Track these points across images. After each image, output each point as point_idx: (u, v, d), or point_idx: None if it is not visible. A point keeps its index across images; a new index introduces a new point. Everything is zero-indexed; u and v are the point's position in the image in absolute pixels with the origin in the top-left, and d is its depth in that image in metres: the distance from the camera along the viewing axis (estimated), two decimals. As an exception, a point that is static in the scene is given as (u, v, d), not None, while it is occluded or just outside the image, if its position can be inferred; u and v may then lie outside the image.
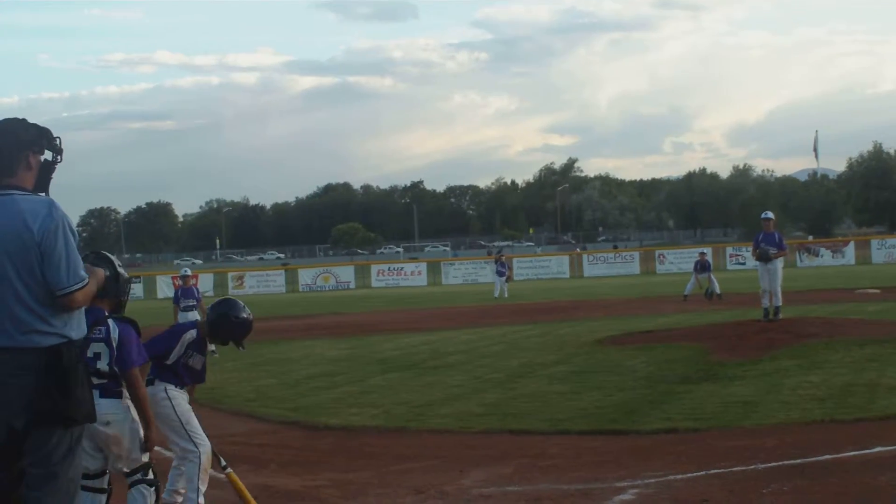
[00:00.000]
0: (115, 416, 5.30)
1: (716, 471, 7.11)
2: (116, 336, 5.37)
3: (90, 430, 5.18)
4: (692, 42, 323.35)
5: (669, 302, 27.02)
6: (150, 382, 6.15)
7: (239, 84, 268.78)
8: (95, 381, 5.19)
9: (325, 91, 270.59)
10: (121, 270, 5.61)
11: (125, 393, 5.32)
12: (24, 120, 4.62)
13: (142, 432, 5.40)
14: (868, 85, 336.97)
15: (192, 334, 6.44)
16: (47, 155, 4.64)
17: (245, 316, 6.55)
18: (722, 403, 9.91)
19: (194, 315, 17.44)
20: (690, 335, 15.65)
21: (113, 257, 5.68)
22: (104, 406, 5.19)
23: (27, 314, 4.40)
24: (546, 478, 7.28)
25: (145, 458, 5.50)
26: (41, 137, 4.61)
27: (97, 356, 5.31)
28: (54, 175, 4.69)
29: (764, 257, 16.76)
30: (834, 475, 6.82)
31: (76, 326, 4.57)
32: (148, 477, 5.52)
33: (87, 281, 4.49)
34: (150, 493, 5.54)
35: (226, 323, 6.52)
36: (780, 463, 7.26)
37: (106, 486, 5.54)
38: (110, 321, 5.43)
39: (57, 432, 4.44)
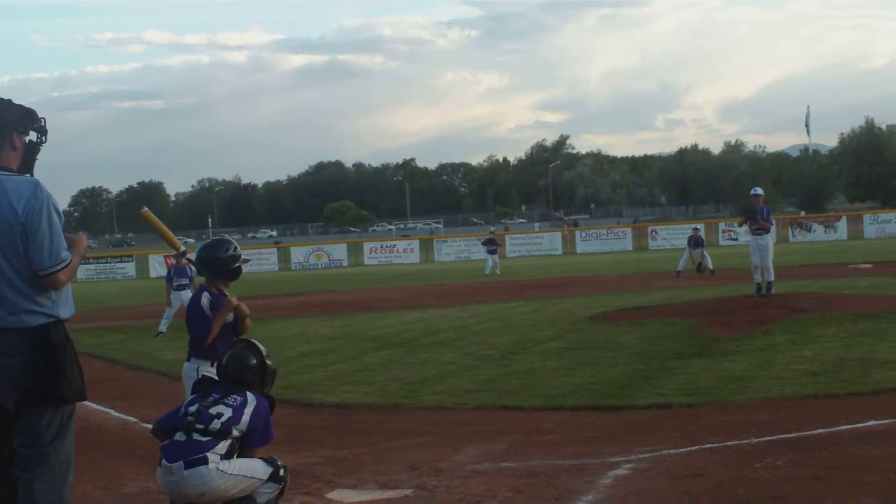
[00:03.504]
0: (206, 485, 5.06)
1: (710, 445, 7.12)
2: (252, 408, 5.24)
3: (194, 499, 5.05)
4: (683, 17, 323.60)
5: (662, 278, 27.07)
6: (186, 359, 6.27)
7: (229, 63, 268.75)
8: (199, 437, 5.10)
9: (316, 69, 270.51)
10: (268, 362, 5.56)
11: (210, 458, 5.06)
12: (8, 100, 4.58)
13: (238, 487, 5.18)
14: (860, 60, 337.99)
15: (206, 297, 6.20)
16: (32, 136, 4.60)
17: (232, 252, 6.31)
18: (715, 378, 9.92)
19: (187, 294, 17.40)
20: (683, 311, 15.67)
21: (262, 347, 5.58)
22: (195, 478, 5.02)
23: (15, 294, 4.37)
24: (540, 453, 7.28)
25: (262, 498, 5.28)
26: (25, 118, 4.56)
27: (219, 415, 5.18)
28: (39, 156, 4.64)
29: (750, 212, 17.20)
30: (827, 449, 6.83)
31: (64, 305, 4.55)
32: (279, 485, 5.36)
33: (69, 261, 4.46)
34: (272, 488, 5.33)
35: (216, 263, 6.30)
36: (774, 437, 7.27)
37: None
38: (250, 394, 5.32)
39: (48, 412, 4.42)
